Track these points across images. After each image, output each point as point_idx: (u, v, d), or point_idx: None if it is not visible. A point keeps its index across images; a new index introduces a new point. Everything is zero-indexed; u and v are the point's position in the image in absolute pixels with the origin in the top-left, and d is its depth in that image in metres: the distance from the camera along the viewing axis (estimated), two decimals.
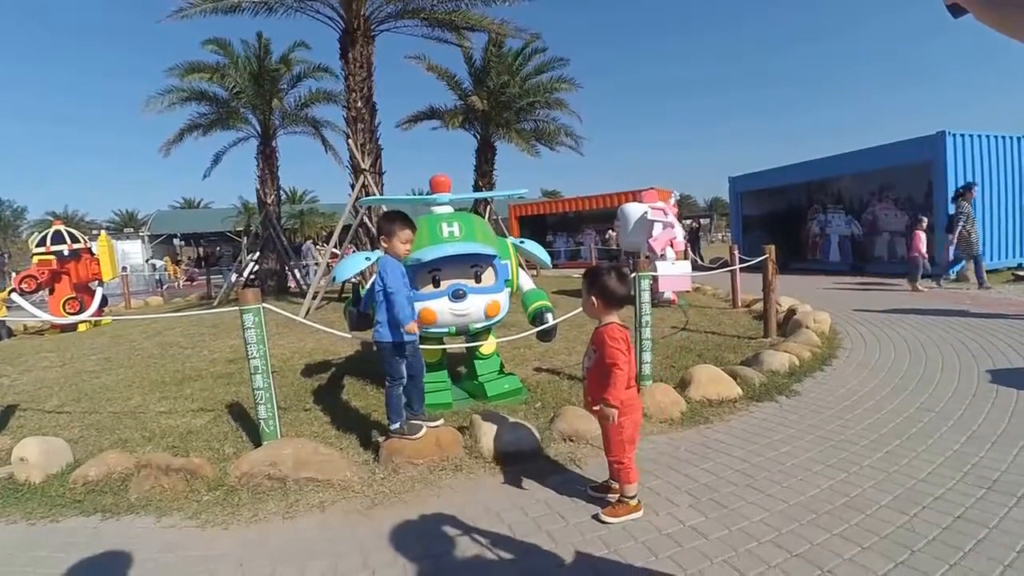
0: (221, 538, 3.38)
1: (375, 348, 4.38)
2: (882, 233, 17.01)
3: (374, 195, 13.42)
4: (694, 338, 8.24)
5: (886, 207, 16.71)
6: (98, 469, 4.08)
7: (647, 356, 5.68)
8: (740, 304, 11.03)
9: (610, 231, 25.49)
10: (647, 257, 12.19)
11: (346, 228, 14.33)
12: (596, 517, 3.35)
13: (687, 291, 12.07)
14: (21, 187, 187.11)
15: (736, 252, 10.94)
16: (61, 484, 4.06)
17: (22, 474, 4.10)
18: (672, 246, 11.53)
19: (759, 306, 10.41)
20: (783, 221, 20.35)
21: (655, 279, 11.36)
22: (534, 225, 30.26)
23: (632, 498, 3.36)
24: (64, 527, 3.58)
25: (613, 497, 3.49)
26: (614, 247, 24.64)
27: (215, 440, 4.89)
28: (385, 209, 13.73)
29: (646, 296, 5.67)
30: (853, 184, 17.80)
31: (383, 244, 4.25)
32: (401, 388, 4.32)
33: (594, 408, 3.42)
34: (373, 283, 4.36)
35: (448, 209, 5.59)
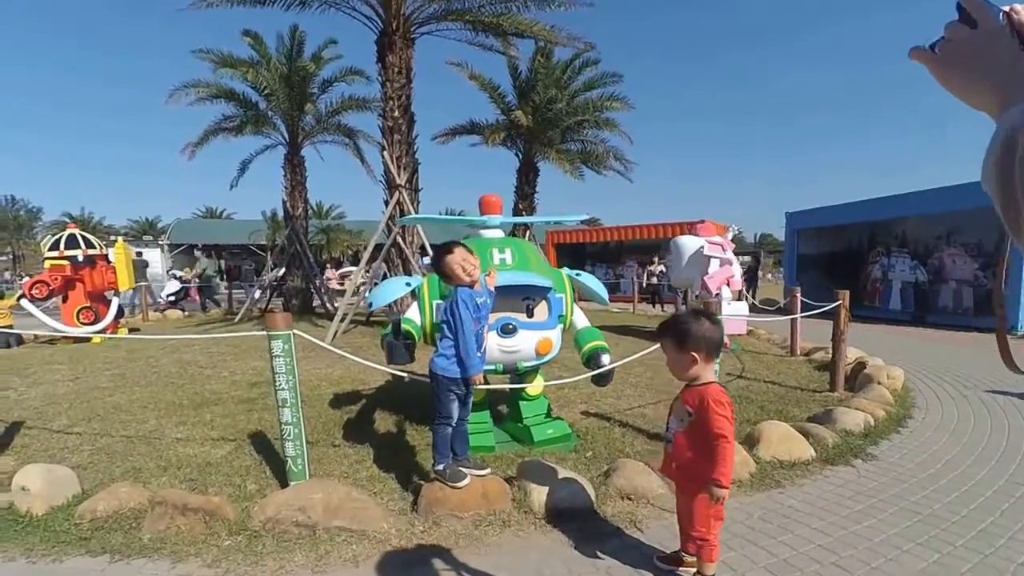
0: None
1: (430, 379, 4.16)
2: (948, 281, 16.45)
3: (409, 213, 13.23)
4: (753, 387, 7.94)
5: (955, 253, 16.21)
6: (107, 503, 3.91)
7: None
8: (799, 352, 10.70)
9: (647, 266, 25.12)
10: (696, 296, 11.93)
11: (378, 247, 14.11)
12: None
13: (741, 335, 11.76)
14: (37, 188, 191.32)
15: (798, 295, 10.64)
16: (66, 518, 3.88)
17: (23, 504, 3.93)
18: (728, 285, 11.27)
19: (819, 355, 10.11)
20: (841, 262, 19.90)
21: None
22: (572, 254, 29.89)
23: None
24: (67, 568, 3.39)
25: (686, 572, 3.24)
26: (655, 281, 24.32)
27: (236, 475, 4.71)
28: (420, 230, 13.72)
29: None
30: (920, 226, 17.33)
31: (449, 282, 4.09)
32: (450, 429, 4.12)
33: (689, 484, 3.09)
34: (446, 307, 4.14)
35: (499, 233, 5.40)
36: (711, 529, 3.06)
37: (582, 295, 5.67)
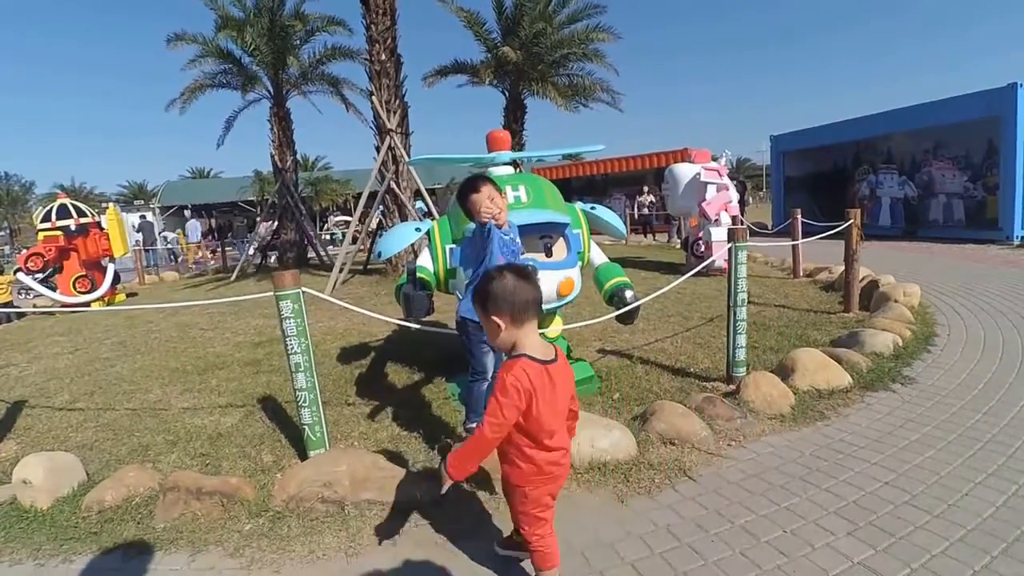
0: None
1: (457, 331, 3.69)
2: (938, 195, 16.05)
3: (402, 157, 12.68)
4: (766, 313, 7.51)
5: (943, 166, 15.76)
6: (115, 492, 3.46)
7: (742, 340, 4.97)
8: (802, 273, 10.31)
9: (637, 197, 24.54)
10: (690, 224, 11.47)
11: (372, 195, 13.51)
12: None
13: None
14: (28, 160, 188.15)
15: (799, 217, 10.22)
16: (73, 511, 3.41)
17: (27, 498, 3.48)
18: (727, 210, 10.83)
19: (823, 276, 9.72)
20: (828, 182, 19.46)
21: (708, 245, 10.69)
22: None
23: None
24: (78, 567, 2.95)
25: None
26: (646, 211, 23.80)
27: (249, 445, 4.27)
28: (414, 174, 13.12)
29: (743, 271, 4.96)
30: (906, 142, 16.83)
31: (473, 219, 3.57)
32: (486, 384, 3.66)
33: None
34: (467, 247, 3.64)
35: (509, 170, 4.88)
36: (533, 529, 2.44)
37: (596, 229, 5.19)
